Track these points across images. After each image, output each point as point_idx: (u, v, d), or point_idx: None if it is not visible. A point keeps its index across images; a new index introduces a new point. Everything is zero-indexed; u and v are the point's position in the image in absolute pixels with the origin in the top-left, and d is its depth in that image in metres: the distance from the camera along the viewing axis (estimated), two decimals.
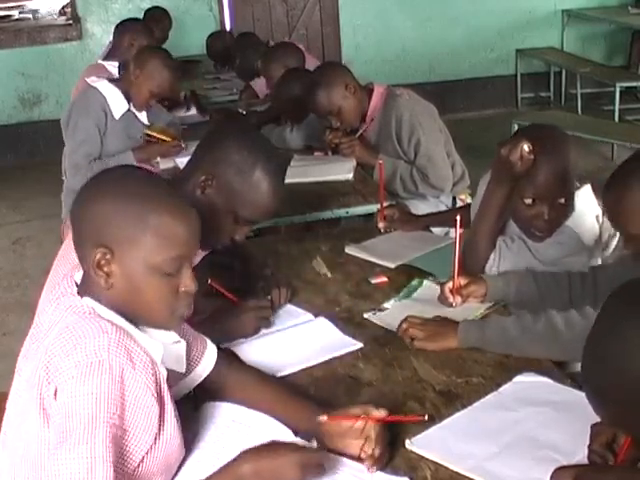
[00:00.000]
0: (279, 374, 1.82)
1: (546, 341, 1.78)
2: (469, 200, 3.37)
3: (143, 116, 3.62)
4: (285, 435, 1.52)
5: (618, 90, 6.39)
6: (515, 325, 1.82)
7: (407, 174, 3.29)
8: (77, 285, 1.43)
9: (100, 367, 1.27)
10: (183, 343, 1.51)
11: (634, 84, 6.95)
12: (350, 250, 2.51)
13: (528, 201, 2.10)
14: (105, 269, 1.36)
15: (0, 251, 5.28)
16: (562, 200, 2.11)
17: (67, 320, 1.35)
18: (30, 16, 7.75)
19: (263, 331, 2.02)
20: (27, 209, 5.95)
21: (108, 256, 1.35)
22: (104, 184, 1.42)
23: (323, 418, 1.50)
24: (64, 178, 3.72)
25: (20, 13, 7.87)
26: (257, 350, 1.93)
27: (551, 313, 1.83)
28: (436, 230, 2.81)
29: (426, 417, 1.56)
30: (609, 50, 7.97)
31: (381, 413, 1.49)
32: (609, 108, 6.65)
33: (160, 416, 1.35)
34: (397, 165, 3.30)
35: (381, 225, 2.63)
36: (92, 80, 3.56)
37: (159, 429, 1.35)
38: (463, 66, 7.60)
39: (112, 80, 3.60)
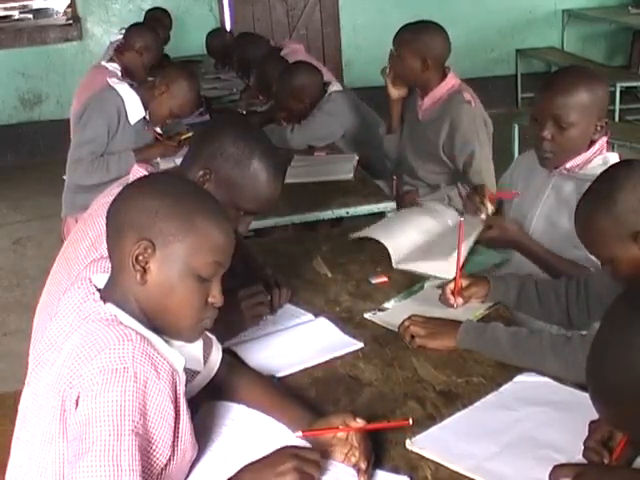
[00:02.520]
0: (279, 374, 1.82)
1: (533, 362, 1.78)
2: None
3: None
4: (284, 434, 1.52)
5: (618, 90, 6.39)
6: (509, 340, 1.82)
7: (456, 195, 3.18)
8: (97, 289, 1.42)
9: (125, 374, 1.25)
10: (200, 342, 1.52)
11: (634, 84, 6.95)
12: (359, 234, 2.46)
13: (534, 120, 2.25)
14: (143, 264, 1.35)
15: (0, 251, 5.29)
16: (563, 125, 2.18)
17: (89, 327, 1.33)
18: (30, 16, 7.75)
19: (263, 331, 2.02)
20: (27, 209, 5.95)
21: (149, 250, 1.35)
22: (152, 182, 1.45)
23: (298, 434, 1.48)
24: (65, 177, 3.72)
25: (20, 13, 7.87)
26: (257, 350, 1.92)
27: (544, 335, 1.82)
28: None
29: (410, 422, 1.53)
30: (609, 50, 7.97)
31: (359, 423, 1.48)
32: (609, 108, 6.64)
33: (176, 424, 1.34)
34: (451, 194, 3.19)
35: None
36: (113, 81, 3.56)
37: (175, 437, 1.34)
38: (463, 66, 7.52)
39: (132, 85, 3.60)
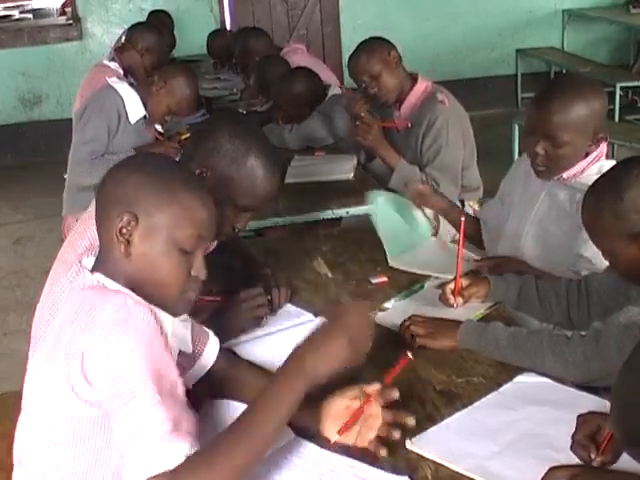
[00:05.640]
0: None
1: (533, 362, 1.78)
2: (477, 207, 3.38)
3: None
4: (285, 434, 1.52)
5: (618, 90, 6.39)
6: (509, 340, 1.81)
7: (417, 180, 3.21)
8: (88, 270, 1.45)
9: (125, 326, 1.27)
10: (189, 322, 1.54)
11: (634, 84, 6.95)
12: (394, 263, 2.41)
13: (528, 133, 2.22)
14: (127, 236, 1.38)
15: (0, 251, 5.29)
16: (557, 144, 2.14)
17: (78, 295, 1.36)
18: (30, 16, 7.75)
19: (263, 331, 2.02)
20: (27, 209, 5.95)
21: (132, 223, 1.38)
22: (137, 160, 1.51)
23: (336, 438, 1.52)
24: (66, 176, 3.72)
25: (20, 13, 7.87)
26: (257, 350, 1.92)
27: (544, 335, 1.82)
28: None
29: (410, 355, 1.59)
30: (609, 50, 7.97)
31: (375, 386, 1.53)
32: (609, 108, 6.64)
33: None
34: (416, 173, 3.21)
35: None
36: (113, 81, 3.55)
37: None
38: (463, 66, 7.61)
39: (132, 84, 3.60)
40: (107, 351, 1.26)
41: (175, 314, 1.47)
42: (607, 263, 1.98)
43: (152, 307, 1.36)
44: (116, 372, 1.25)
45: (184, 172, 1.49)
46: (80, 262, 1.49)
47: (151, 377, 1.26)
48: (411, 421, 1.52)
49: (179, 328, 1.50)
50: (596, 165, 2.19)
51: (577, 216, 2.11)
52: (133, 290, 1.39)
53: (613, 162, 2.22)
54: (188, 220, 1.40)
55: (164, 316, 1.41)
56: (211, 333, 1.68)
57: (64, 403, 1.31)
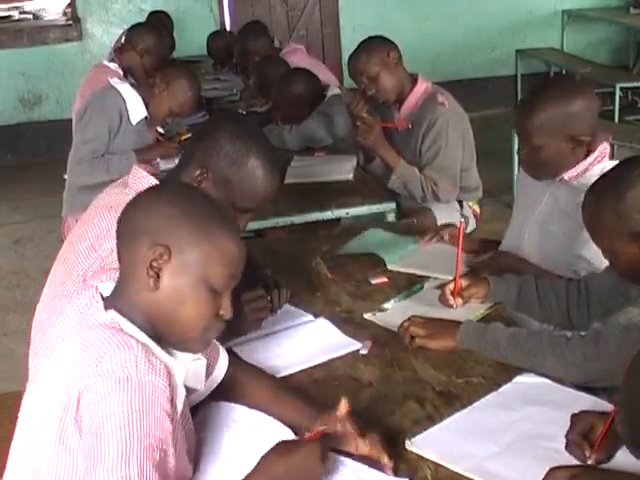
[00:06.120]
0: (279, 374, 1.82)
1: (533, 362, 1.78)
2: (476, 207, 3.38)
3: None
4: (285, 434, 1.52)
5: (618, 90, 6.39)
6: (508, 341, 1.82)
7: (418, 183, 3.21)
8: (102, 297, 1.39)
9: (128, 384, 1.22)
10: (203, 361, 1.49)
11: (634, 84, 6.95)
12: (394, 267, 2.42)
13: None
14: (157, 270, 1.33)
15: (0, 251, 5.28)
16: (532, 146, 2.16)
17: (88, 333, 1.31)
18: (30, 16, 7.75)
19: (264, 331, 2.02)
20: (27, 209, 5.95)
21: (165, 257, 1.33)
22: (168, 190, 1.44)
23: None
24: (66, 177, 3.72)
25: (20, 13, 7.87)
26: (257, 350, 1.93)
27: (544, 335, 1.82)
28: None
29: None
30: (609, 51, 7.97)
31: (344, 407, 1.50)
32: (609, 108, 6.65)
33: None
34: (415, 174, 3.22)
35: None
36: (114, 81, 3.55)
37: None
38: (463, 66, 7.61)
39: (133, 85, 3.60)
40: (101, 406, 1.21)
41: (194, 352, 1.43)
42: (606, 264, 1.99)
43: (165, 362, 1.30)
44: (100, 429, 1.20)
45: (216, 207, 1.42)
46: (97, 288, 1.42)
47: (133, 447, 1.19)
48: (384, 459, 1.48)
49: (193, 368, 1.46)
50: (598, 166, 2.18)
51: (578, 217, 2.12)
52: (152, 326, 1.35)
53: (616, 163, 2.22)
54: (221, 259, 1.35)
55: (178, 367, 1.35)
56: (221, 348, 1.64)
57: (52, 435, 1.26)
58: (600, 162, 2.19)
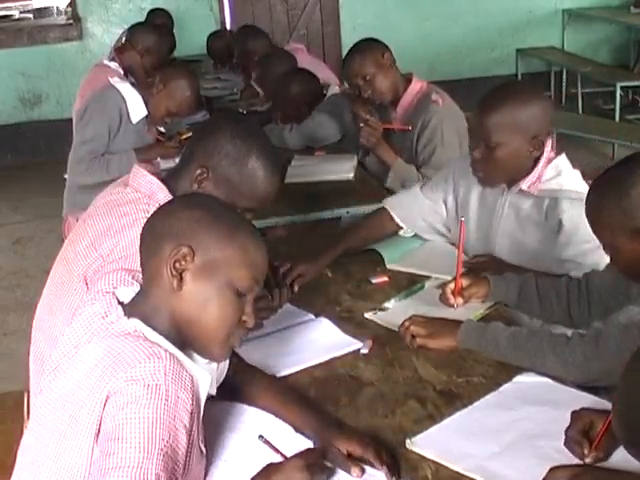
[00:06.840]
0: (279, 374, 1.82)
1: (533, 362, 1.78)
2: None
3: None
4: (286, 435, 1.52)
5: (619, 90, 6.39)
6: (509, 340, 1.81)
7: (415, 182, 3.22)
8: (119, 302, 1.38)
9: (157, 391, 1.22)
10: (214, 365, 1.47)
11: (635, 83, 6.95)
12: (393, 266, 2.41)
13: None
14: (180, 271, 1.33)
15: (0, 251, 5.29)
16: (490, 145, 2.17)
17: (113, 342, 1.30)
18: (30, 16, 7.75)
19: (264, 331, 2.02)
20: (27, 209, 5.95)
21: (188, 258, 1.33)
22: (192, 197, 1.47)
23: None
24: (66, 176, 3.72)
25: (20, 13, 7.87)
26: (257, 350, 1.92)
27: (544, 335, 1.82)
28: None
29: None
30: (610, 50, 7.96)
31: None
32: (610, 107, 6.65)
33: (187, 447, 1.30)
34: (411, 173, 3.21)
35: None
36: (115, 81, 3.55)
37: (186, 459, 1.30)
38: (463, 66, 7.60)
39: (133, 84, 3.60)
40: (126, 410, 1.21)
41: (216, 359, 1.42)
42: (595, 259, 2.00)
43: (191, 372, 1.30)
44: (122, 432, 1.20)
45: (234, 210, 1.47)
46: (113, 293, 1.40)
47: (153, 454, 1.20)
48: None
49: (213, 373, 1.44)
50: (550, 167, 2.21)
51: (549, 222, 2.14)
52: (177, 331, 1.34)
53: (564, 157, 2.23)
54: (245, 262, 1.35)
55: (203, 376, 1.35)
56: None
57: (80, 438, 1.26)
58: (549, 162, 2.21)
